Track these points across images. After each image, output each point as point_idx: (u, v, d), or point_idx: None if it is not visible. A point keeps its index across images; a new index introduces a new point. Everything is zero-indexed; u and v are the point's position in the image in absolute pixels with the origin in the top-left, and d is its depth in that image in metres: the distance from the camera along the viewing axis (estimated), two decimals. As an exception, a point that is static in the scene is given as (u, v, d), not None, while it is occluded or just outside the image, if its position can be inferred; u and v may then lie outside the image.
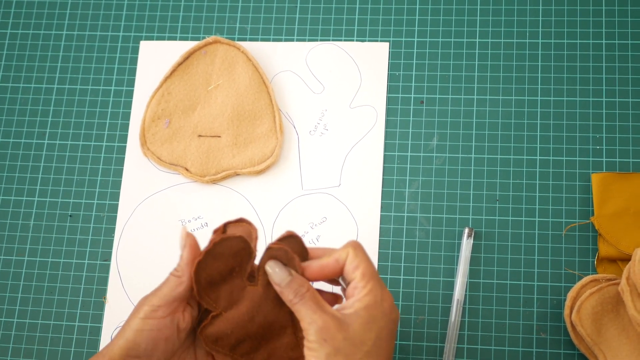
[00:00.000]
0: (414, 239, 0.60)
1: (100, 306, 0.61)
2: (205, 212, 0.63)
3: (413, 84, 0.64)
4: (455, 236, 0.60)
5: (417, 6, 0.66)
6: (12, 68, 0.68)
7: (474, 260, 0.59)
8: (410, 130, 0.63)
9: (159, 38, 0.68)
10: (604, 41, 0.64)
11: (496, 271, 0.59)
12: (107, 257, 0.62)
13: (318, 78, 0.65)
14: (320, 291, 0.46)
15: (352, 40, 0.66)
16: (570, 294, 0.56)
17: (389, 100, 0.64)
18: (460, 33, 0.65)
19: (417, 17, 0.66)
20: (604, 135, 0.61)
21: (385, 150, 0.63)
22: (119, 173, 0.64)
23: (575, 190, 0.60)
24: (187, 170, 0.63)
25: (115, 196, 0.64)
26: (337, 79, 0.65)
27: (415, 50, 0.65)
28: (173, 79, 0.65)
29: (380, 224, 0.61)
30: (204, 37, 0.67)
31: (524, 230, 0.60)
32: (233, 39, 0.67)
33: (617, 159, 0.61)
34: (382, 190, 0.62)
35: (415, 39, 0.65)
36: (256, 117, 0.63)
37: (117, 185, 0.64)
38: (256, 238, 0.45)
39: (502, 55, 0.64)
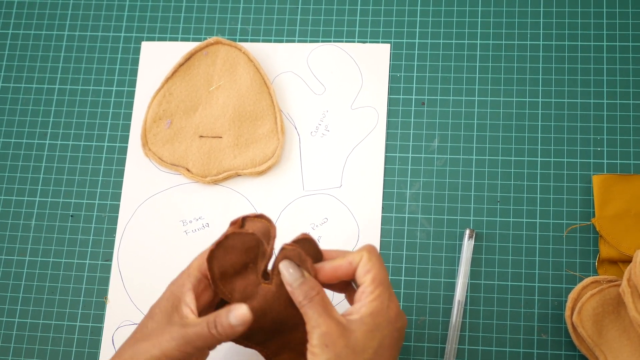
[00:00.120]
0: (415, 240, 0.60)
1: (101, 306, 0.61)
2: (207, 212, 0.63)
3: (414, 86, 0.64)
4: (457, 237, 0.60)
5: (419, 8, 0.66)
6: (13, 68, 0.68)
7: (475, 262, 0.59)
8: (412, 131, 0.63)
9: (160, 39, 0.68)
10: (605, 43, 0.64)
11: (497, 272, 0.59)
12: (109, 257, 0.62)
13: (319, 79, 0.65)
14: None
15: (354, 42, 0.66)
16: (571, 296, 0.56)
17: (390, 102, 0.64)
18: (461, 35, 0.65)
19: (418, 19, 0.66)
20: (605, 136, 0.61)
21: (386, 152, 0.63)
22: (120, 173, 0.64)
23: (576, 191, 0.60)
24: (188, 170, 0.63)
25: (117, 196, 0.64)
26: (339, 80, 0.65)
27: (416, 52, 0.65)
28: (174, 79, 0.65)
29: (382, 225, 0.61)
30: (205, 38, 0.67)
31: (525, 231, 0.60)
32: (234, 40, 0.67)
33: (618, 161, 0.61)
34: (383, 191, 0.62)
35: (417, 41, 0.65)
36: (257, 118, 0.63)
37: (119, 185, 0.64)
38: (274, 237, 0.46)
39: (503, 56, 0.64)
